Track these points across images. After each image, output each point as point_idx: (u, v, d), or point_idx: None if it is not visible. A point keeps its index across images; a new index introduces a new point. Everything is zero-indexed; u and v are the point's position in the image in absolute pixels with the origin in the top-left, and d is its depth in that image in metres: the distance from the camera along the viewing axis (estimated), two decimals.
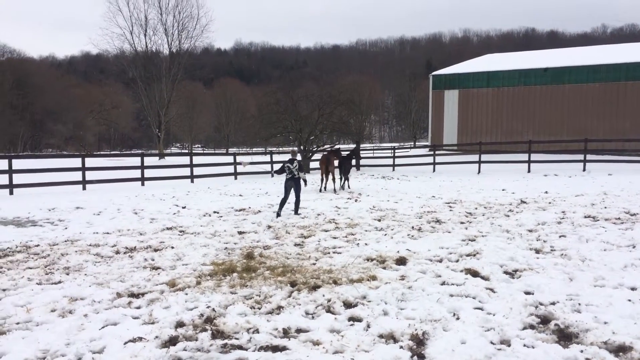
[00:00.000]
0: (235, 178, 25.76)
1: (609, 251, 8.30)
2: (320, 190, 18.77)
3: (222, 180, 25.09)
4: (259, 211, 13.91)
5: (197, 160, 36.93)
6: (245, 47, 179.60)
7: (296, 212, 13.17)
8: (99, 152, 61.22)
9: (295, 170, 13.10)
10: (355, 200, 15.92)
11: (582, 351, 4.75)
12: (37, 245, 9.61)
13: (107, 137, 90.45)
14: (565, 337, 5.13)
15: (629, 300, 5.98)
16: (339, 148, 21.72)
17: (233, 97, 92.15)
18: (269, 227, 11.34)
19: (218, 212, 13.73)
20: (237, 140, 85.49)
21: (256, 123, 34.87)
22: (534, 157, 26.00)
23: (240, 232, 10.73)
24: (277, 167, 26.96)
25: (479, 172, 26.00)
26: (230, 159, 28.31)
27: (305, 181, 13.49)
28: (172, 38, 55.59)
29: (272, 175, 15.60)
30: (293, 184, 13.12)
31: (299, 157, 12.17)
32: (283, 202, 13.06)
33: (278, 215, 12.74)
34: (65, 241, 9.99)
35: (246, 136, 37.63)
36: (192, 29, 55.50)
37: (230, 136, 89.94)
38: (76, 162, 29.82)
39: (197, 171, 26.81)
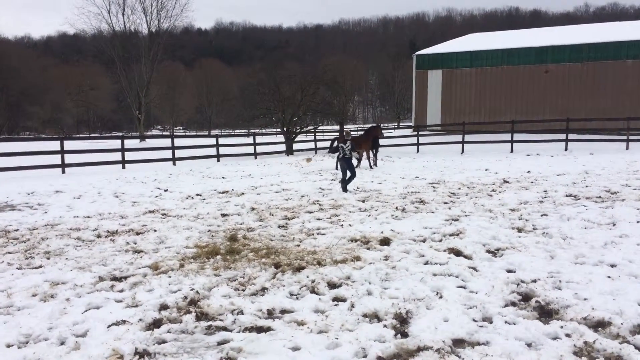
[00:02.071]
0: (218, 160, 25.65)
1: (589, 229, 8.45)
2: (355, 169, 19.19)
3: (204, 162, 24.97)
4: (242, 193, 13.89)
5: (179, 142, 36.71)
6: (227, 27, 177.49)
7: (344, 188, 13.60)
8: (78, 135, 60.37)
9: (347, 150, 13.73)
10: (339, 182, 15.94)
11: (562, 327, 4.86)
12: (17, 230, 9.51)
13: (85, 119, 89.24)
14: (545, 313, 5.24)
15: (609, 277, 6.11)
16: (379, 125, 21.75)
17: (215, 78, 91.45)
18: (253, 209, 11.34)
19: (201, 195, 13.69)
20: (219, 122, 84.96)
21: (238, 104, 34.65)
22: (516, 137, 26.26)
23: (223, 215, 10.72)
24: (323, 148, 26.70)
25: (463, 152, 26.17)
26: (212, 140, 28.09)
27: (357, 160, 14.03)
28: (151, 17, 54.75)
29: (329, 153, 16.04)
30: (345, 163, 13.75)
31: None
32: (343, 181, 13.70)
33: (345, 190, 13.49)
34: (45, 225, 9.90)
35: (228, 118, 37.39)
36: (171, 8, 54.86)
37: (213, 118, 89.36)
38: (55, 145, 29.34)
39: (179, 153, 26.66)
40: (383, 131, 20.79)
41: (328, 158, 25.68)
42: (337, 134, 21.49)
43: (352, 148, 13.89)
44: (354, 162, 14.08)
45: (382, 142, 29.04)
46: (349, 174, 13.97)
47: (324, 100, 33.56)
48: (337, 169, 18.50)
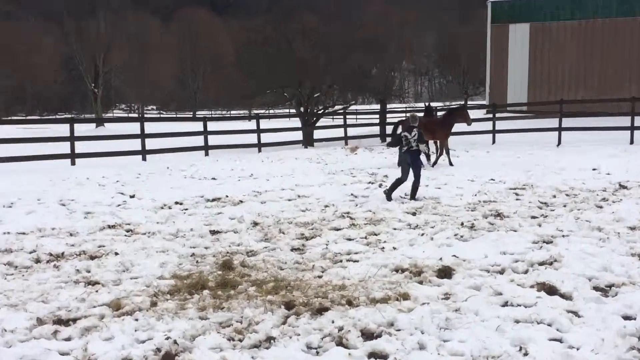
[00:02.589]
0: (206, 154, 25.82)
1: None
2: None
3: (187, 156, 25.15)
4: (241, 201, 13.94)
5: (151, 128, 36.97)
6: None
7: (413, 196, 13.74)
8: (8, 118, 61.35)
9: (413, 141, 13.77)
10: (380, 185, 15.92)
11: None
12: None
13: (21, 95, 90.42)
14: None
15: None
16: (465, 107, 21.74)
17: (202, 37, 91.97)
18: (255, 224, 11.39)
19: (182, 203, 13.78)
20: (208, 99, 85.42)
21: (235, 74, 34.86)
22: (638, 121, 25.87)
23: (213, 232, 10.79)
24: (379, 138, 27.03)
25: (559, 143, 25.86)
26: (197, 126, 28.32)
27: (427, 155, 14.44)
28: None
29: (388, 147, 16.09)
30: (410, 158, 13.82)
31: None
32: (399, 183, 13.86)
33: (389, 199, 13.56)
34: None
35: (221, 93, 37.62)
36: None
37: (199, 93, 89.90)
38: None
39: (151, 144, 26.85)
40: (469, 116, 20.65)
41: (380, 153, 25.66)
42: (399, 117, 21.46)
43: (420, 138, 13.89)
44: (423, 159, 14.07)
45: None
46: (409, 176, 13.96)
47: (358, 69, 33.58)
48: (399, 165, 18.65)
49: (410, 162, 13.84)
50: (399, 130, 19.54)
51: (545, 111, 32.77)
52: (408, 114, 14.63)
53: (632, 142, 24.95)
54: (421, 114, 21.31)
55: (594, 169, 17.96)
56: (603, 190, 14.26)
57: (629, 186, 14.64)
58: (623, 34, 37.46)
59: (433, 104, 32.49)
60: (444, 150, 20.61)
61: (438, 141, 20.74)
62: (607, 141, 25.29)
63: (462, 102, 76.76)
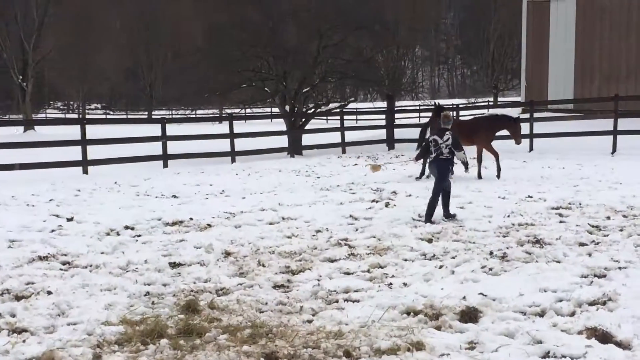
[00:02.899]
0: (165, 164, 25.78)
1: None
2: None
3: (141, 168, 25.13)
4: (209, 225, 13.92)
5: (95, 132, 36.94)
6: None
7: (446, 214, 13.99)
8: None
9: (445, 147, 13.98)
10: (387, 204, 15.93)
11: None
12: None
13: None
14: None
15: None
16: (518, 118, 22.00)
17: (160, 18, 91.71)
18: (227, 254, 11.37)
19: (133, 228, 13.74)
20: (168, 95, 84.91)
21: (203, 63, 34.88)
22: None
23: (174, 265, 10.77)
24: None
25: (614, 150, 25.96)
26: (154, 129, 28.29)
27: (465, 164, 14.78)
28: None
29: (416, 160, 16.10)
30: (438, 169, 14.08)
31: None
32: (448, 195, 14.05)
33: (428, 221, 13.61)
34: None
35: (185, 88, 37.43)
36: None
37: (156, 88, 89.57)
38: None
39: (94, 152, 26.81)
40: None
41: (388, 163, 25.72)
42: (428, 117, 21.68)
43: (455, 143, 14.08)
44: (454, 169, 14.48)
45: None
46: (450, 183, 14.18)
47: (359, 57, 33.70)
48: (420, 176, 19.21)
49: (438, 173, 14.07)
50: (428, 134, 19.84)
51: (597, 110, 32.86)
52: (442, 114, 14.62)
53: None
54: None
55: None
56: None
57: None
58: None
59: (455, 101, 32.59)
60: (479, 158, 20.88)
61: (481, 149, 20.92)
62: None
63: (491, 100, 77.13)
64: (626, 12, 38.75)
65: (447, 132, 14.04)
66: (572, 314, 8.01)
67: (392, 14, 53.36)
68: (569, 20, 39.97)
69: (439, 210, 14.06)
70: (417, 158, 15.81)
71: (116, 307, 8.64)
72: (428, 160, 14.55)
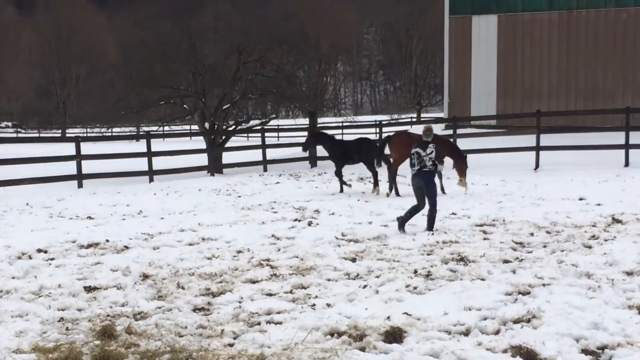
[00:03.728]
0: (80, 185, 25.42)
1: None
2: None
3: (54, 188, 24.73)
4: (126, 247, 13.73)
5: (5, 151, 36.31)
6: None
7: (430, 227, 14.47)
8: None
9: (428, 159, 14.40)
10: (309, 223, 15.92)
11: None
12: None
13: None
14: None
15: None
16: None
17: (75, 33, 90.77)
18: (145, 277, 11.21)
19: (46, 251, 13.48)
20: (83, 112, 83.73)
21: (120, 80, 34.59)
22: (635, 137, 26.54)
23: (89, 289, 10.57)
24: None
25: (537, 166, 26.39)
26: (68, 148, 27.92)
27: (439, 176, 15.21)
28: None
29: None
30: (424, 181, 14.49)
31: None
32: (416, 211, 14.60)
33: (401, 228, 14.36)
34: None
35: (100, 106, 37.01)
36: None
37: (70, 106, 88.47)
38: None
39: (5, 172, 26.35)
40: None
41: (310, 181, 25.71)
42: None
43: (438, 156, 14.50)
44: (437, 183, 14.83)
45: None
46: (425, 204, 14.52)
47: (280, 73, 33.74)
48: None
49: (425, 185, 14.45)
50: (382, 147, 20.29)
51: (520, 126, 33.39)
52: (424, 127, 15.05)
53: (627, 164, 25.57)
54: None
55: (580, 199, 18.35)
56: (592, 225, 14.56)
57: (624, 220, 14.99)
58: (613, 31, 38.47)
59: (378, 118, 33.00)
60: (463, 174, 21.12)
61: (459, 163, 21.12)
62: (596, 163, 25.88)
63: (415, 116, 77.89)
64: (547, 27, 39.54)
65: (430, 145, 14.40)
66: (497, 332, 8.07)
67: (314, 30, 53.73)
68: (491, 36, 40.58)
69: (364, 230, 14.09)
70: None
71: (28, 334, 8.45)
72: (412, 173, 14.73)
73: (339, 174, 22.33)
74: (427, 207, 14.48)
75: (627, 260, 11.11)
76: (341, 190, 21.85)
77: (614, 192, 19.30)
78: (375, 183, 21.68)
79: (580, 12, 38.98)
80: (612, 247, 12.08)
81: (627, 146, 25.81)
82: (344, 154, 22.57)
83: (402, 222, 14.37)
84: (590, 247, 12.37)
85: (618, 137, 26.51)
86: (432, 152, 14.32)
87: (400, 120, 70.39)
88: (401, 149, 20.33)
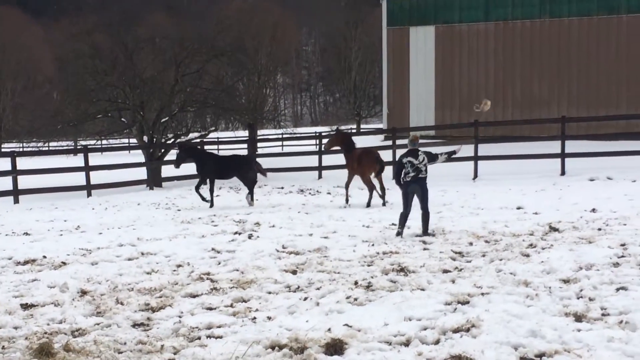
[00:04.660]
0: (16, 200, 25.12)
1: None
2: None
3: None
4: (64, 263, 13.58)
5: None
6: None
7: (426, 231, 15.18)
8: None
9: (422, 166, 15.10)
10: (250, 236, 15.90)
11: None
12: None
13: None
14: None
15: None
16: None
17: (10, 45, 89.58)
18: (83, 293, 11.10)
19: None
20: (18, 127, 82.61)
21: (56, 93, 34.26)
22: (571, 146, 26.97)
23: (26, 306, 10.43)
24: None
25: (476, 176, 26.72)
26: (3, 164, 27.56)
27: (451, 153, 15.91)
28: None
29: (397, 183, 16.26)
30: (419, 188, 15.19)
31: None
32: (406, 217, 15.26)
33: (399, 234, 15.12)
34: None
35: (36, 119, 36.59)
36: None
37: (5, 120, 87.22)
38: None
39: None
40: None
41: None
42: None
43: (431, 157, 15.38)
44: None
45: (328, 159, 29.37)
46: (411, 209, 15.25)
47: (219, 85, 33.70)
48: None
49: (422, 190, 15.19)
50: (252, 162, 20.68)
51: (458, 136, 33.74)
52: (410, 136, 15.66)
53: (563, 172, 25.99)
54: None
55: (518, 208, 18.60)
56: (530, 234, 14.75)
57: (560, 228, 15.20)
58: (549, 40, 39.04)
59: (318, 129, 33.18)
60: (381, 185, 21.51)
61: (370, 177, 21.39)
62: (533, 172, 26.26)
63: (354, 127, 78.15)
64: (483, 38, 40.04)
65: (420, 152, 15.07)
66: (437, 342, 8.12)
67: (252, 41, 53.69)
68: (428, 46, 40.98)
69: (305, 242, 14.10)
70: (397, 180, 15.80)
71: None
72: (406, 180, 15.14)
73: (198, 188, 22.50)
74: (413, 212, 15.27)
75: (564, 267, 11.28)
76: (209, 204, 22.19)
77: (551, 201, 19.60)
78: (252, 197, 22.10)
79: (516, 22, 39.58)
80: (549, 255, 12.24)
81: (563, 155, 26.19)
82: (215, 169, 22.70)
83: (401, 229, 15.17)
84: (528, 255, 12.52)
85: (554, 146, 26.92)
86: (424, 158, 15.04)
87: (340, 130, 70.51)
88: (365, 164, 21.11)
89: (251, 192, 22.09)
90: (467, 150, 27.19)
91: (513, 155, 27.30)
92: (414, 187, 15.14)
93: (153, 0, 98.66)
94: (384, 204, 20.67)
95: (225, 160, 23.23)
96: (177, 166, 23.54)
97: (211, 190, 22.49)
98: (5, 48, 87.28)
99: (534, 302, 9.43)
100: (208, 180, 22.75)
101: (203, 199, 22.24)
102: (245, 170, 22.27)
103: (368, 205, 20.75)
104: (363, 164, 21.03)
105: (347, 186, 21.49)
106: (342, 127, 79.12)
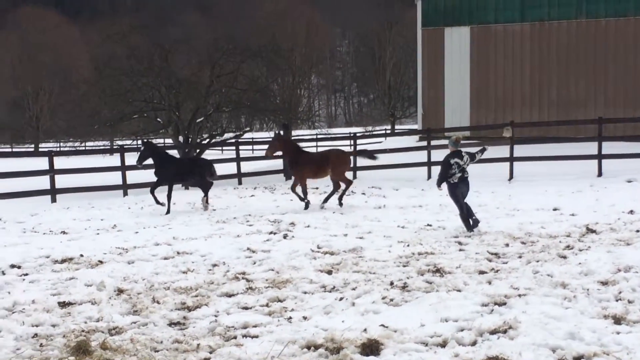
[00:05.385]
0: (54, 200, 25.27)
1: None
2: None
3: (27, 204, 24.59)
4: (101, 262, 13.65)
5: None
6: None
7: (474, 226, 15.60)
8: None
9: (466, 166, 15.75)
10: (285, 236, 15.91)
11: None
12: None
13: None
14: None
15: None
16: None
17: (46, 45, 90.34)
18: (120, 291, 11.16)
19: (20, 267, 13.38)
20: (56, 127, 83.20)
21: (93, 94, 34.45)
22: (608, 147, 26.74)
23: (63, 304, 10.52)
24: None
25: (511, 177, 26.56)
26: (41, 163, 27.78)
27: (482, 151, 16.33)
28: None
29: (439, 186, 16.31)
30: (465, 187, 15.85)
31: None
32: (466, 216, 15.67)
33: (472, 228, 15.53)
34: None
35: (73, 120, 36.85)
36: None
37: (43, 120, 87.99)
38: None
39: None
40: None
41: (285, 194, 25.69)
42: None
43: (473, 157, 16.01)
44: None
45: (363, 160, 29.33)
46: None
47: (254, 86, 33.75)
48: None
49: (466, 190, 15.89)
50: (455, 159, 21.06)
51: (493, 137, 33.48)
52: (452, 138, 16.34)
53: (600, 174, 25.79)
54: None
55: (555, 209, 18.52)
56: (567, 235, 14.67)
57: (598, 230, 15.10)
58: (585, 41, 38.72)
59: (353, 130, 33.18)
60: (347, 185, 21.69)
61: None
62: (570, 173, 26.07)
63: (389, 128, 77.93)
64: (519, 38, 39.77)
65: (463, 153, 15.75)
66: (474, 343, 8.10)
67: (287, 42, 53.78)
68: (463, 47, 40.75)
69: (339, 242, 14.09)
70: (440, 184, 16.18)
71: (2, 351, 8.39)
72: (452, 182, 15.63)
73: (153, 190, 21.99)
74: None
75: (602, 269, 11.20)
76: (167, 211, 21.50)
77: (588, 202, 19.46)
78: (206, 200, 22.03)
79: (552, 23, 39.22)
80: (586, 257, 12.16)
81: (599, 156, 26.00)
82: (174, 172, 22.33)
83: (472, 224, 15.56)
84: (565, 257, 12.46)
85: (591, 148, 26.72)
86: (468, 158, 15.72)
87: (375, 132, 70.60)
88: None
89: (206, 195, 21.94)
90: (502, 151, 27.11)
91: (549, 157, 27.12)
92: (462, 187, 15.64)
93: (187, 1, 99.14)
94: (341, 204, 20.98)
95: (184, 163, 23.16)
96: (140, 164, 22.75)
97: (169, 196, 21.82)
98: (42, 49, 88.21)
99: (572, 304, 9.38)
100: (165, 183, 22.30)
101: (157, 201, 21.67)
102: (204, 174, 22.12)
103: (340, 201, 21.08)
104: (340, 163, 21.40)
105: (294, 189, 21.46)
106: (372, 128, 79.22)
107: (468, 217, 15.59)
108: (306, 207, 20.85)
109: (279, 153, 22.43)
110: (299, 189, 21.21)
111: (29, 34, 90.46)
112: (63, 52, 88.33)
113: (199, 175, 22.19)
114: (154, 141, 32.54)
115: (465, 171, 15.68)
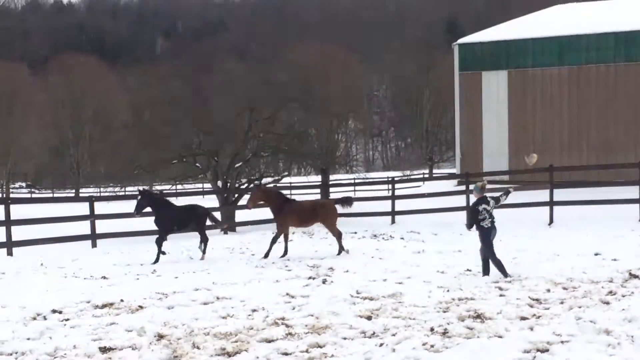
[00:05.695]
0: (94, 244, 25.46)
1: None
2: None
3: (68, 248, 24.76)
4: (141, 307, 13.69)
5: (19, 212, 36.37)
6: None
7: (487, 271, 15.82)
8: None
9: (492, 210, 15.91)
10: (324, 281, 15.90)
11: None
12: None
13: None
14: None
15: None
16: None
17: (87, 92, 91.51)
18: (160, 337, 11.19)
19: (61, 312, 13.44)
20: (96, 172, 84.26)
21: (132, 139, 34.87)
22: None
23: (104, 349, 10.56)
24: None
25: (551, 221, 26.37)
26: (82, 208, 28.01)
27: (507, 193, 16.57)
28: None
29: (470, 228, 16.66)
30: (495, 232, 15.93)
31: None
32: (499, 262, 15.64)
33: (507, 274, 15.46)
34: None
35: (113, 164, 37.31)
36: None
37: (83, 165, 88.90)
38: None
39: (19, 233, 26.38)
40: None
41: (323, 239, 25.74)
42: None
43: (497, 201, 16.15)
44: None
45: (401, 205, 29.24)
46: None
47: (291, 131, 33.96)
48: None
49: (494, 235, 15.90)
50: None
51: (532, 181, 33.39)
52: (479, 184, 16.35)
53: None
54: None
55: (596, 254, 18.32)
56: (609, 281, 14.52)
57: None
58: (626, 84, 38.60)
59: (391, 174, 33.17)
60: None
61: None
62: (611, 218, 25.83)
63: (427, 172, 77.90)
64: (557, 82, 39.75)
65: (488, 198, 15.87)
66: None
67: (323, 87, 54.00)
68: (501, 92, 40.82)
69: (379, 287, 14.03)
70: (470, 225, 16.47)
71: None
72: (487, 227, 15.74)
73: (160, 240, 21.51)
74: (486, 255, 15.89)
75: None
76: (156, 261, 20.91)
77: (630, 247, 19.26)
78: (204, 250, 21.65)
79: (590, 67, 39.23)
80: (630, 303, 12.04)
81: None
82: (173, 219, 22.09)
83: (502, 270, 15.53)
84: (608, 303, 12.33)
85: (631, 192, 26.52)
86: (493, 203, 15.85)
87: (412, 177, 70.58)
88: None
89: (204, 243, 21.70)
90: (542, 195, 26.98)
91: (590, 201, 26.91)
92: (493, 232, 15.71)
93: (223, 46, 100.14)
94: (340, 253, 20.88)
95: (182, 210, 22.84)
96: (138, 212, 22.39)
97: (159, 243, 21.35)
98: (83, 95, 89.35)
99: (616, 351, 9.29)
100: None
101: (162, 253, 21.28)
102: (203, 221, 22.16)
103: (339, 252, 20.87)
104: (329, 215, 21.42)
105: (275, 240, 21.38)
106: (410, 173, 79.13)
107: (501, 265, 15.58)
108: (265, 256, 20.74)
109: (262, 202, 22.40)
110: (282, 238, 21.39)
111: (70, 80, 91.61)
112: (103, 97, 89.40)
113: (196, 222, 22.15)
114: (192, 185, 32.81)
115: (492, 216, 15.85)
